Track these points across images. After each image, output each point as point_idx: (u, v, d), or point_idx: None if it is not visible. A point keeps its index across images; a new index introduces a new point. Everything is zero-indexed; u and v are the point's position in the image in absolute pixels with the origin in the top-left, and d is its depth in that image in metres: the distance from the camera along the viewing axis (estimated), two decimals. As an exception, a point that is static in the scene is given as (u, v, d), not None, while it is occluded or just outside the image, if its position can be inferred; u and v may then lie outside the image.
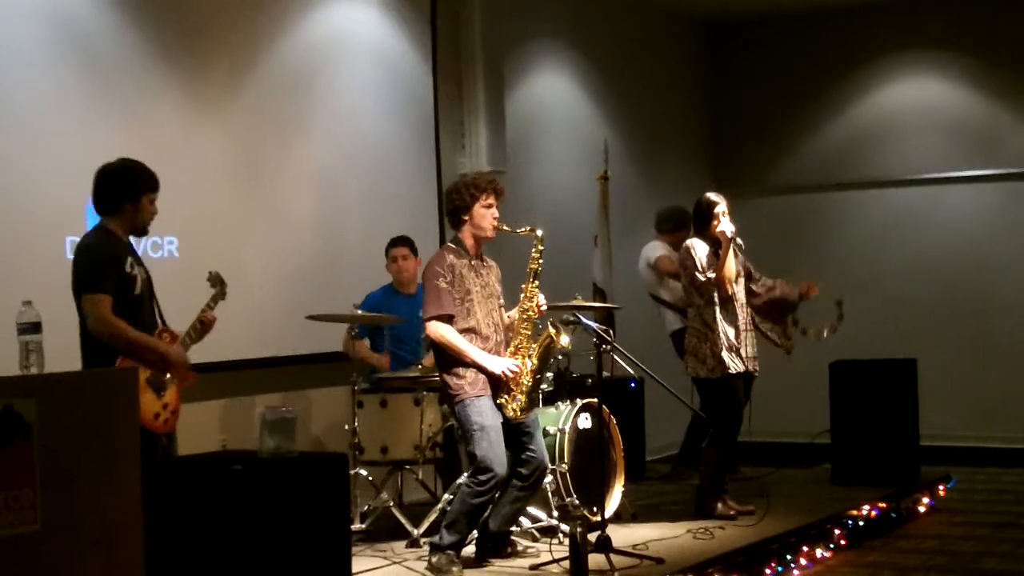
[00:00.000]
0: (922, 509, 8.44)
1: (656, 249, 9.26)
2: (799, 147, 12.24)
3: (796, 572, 6.91)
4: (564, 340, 6.61)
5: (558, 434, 7.14)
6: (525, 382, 6.43)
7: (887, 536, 7.77)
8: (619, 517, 7.41)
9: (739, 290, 7.59)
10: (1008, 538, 7.68)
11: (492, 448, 6.30)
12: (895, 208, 11.81)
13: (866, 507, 7.85)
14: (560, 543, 6.65)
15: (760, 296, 7.78)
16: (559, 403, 7.40)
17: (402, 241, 7.89)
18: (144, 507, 4.14)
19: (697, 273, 7.48)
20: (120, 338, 5.37)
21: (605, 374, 7.56)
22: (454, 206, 6.59)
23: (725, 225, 7.47)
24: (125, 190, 5.55)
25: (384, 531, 7.15)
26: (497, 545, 6.62)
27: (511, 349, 6.52)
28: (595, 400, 7.15)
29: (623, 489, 7.41)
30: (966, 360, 11.31)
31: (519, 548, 6.66)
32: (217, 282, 5.94)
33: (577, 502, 7.03)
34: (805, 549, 7.06)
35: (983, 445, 10.92)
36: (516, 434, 6.46)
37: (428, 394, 7.15)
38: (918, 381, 9.00)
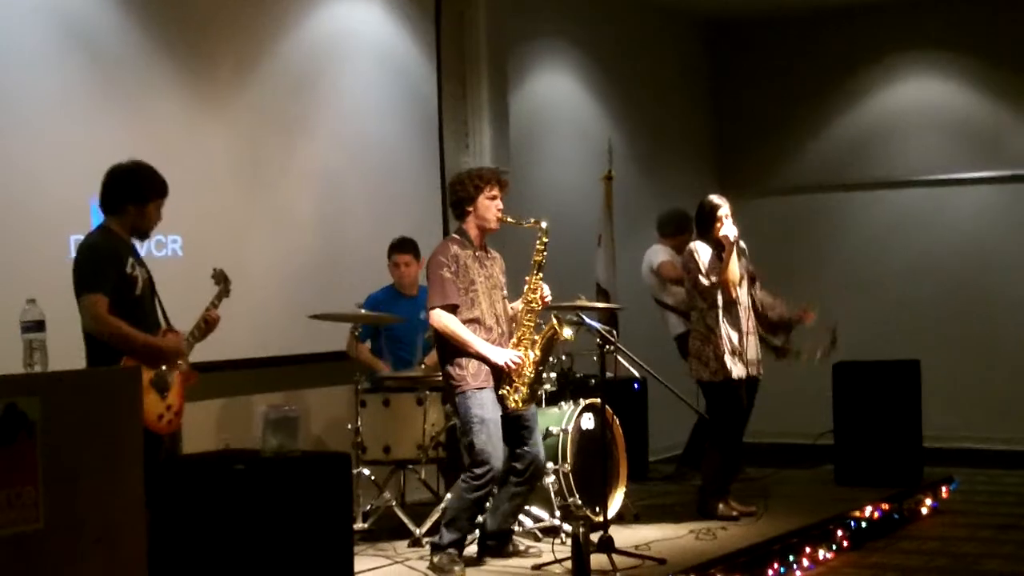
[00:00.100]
0: (924, 510, 8.43)
1: (659, 254, 9.23)
2: (802, 147, 12.24)
3: (798, 573, 6.91)
4: (567, 333, 6.60)
5: (561, 434, 7.13)
6: (528, 374, 6.43)
7: (889, 537, 7.77)
8: (621, 517, 7.41)
9: (743, 294, 7.58)
10: (1010, 540, 7.68)
11: (490, 441, 6.30)
12: (898, 209, 11.80)
13: (869, 508, 7.84)
14: (562, 543, 6.63)
15: (757, 311, 7.76)
16: (562, 403, 7.40)
17: (405, 247, 7.85)
18: (146, 507, 4.15)
19: (700, 277, 7.47)
20: (117, 337, 5.35)
21: (608, 374, 7.57)
22: (458, 197, 6.59)
23: (728, 228, 7.46)
24: (133, 192, 5.54)
25: (386, 531, 7.15)
26: (499, 544, 6.62)
27: (514, 340, 6.51)
28: (598, 400, 7.15)
29: (625, 489, 7.40)
30: (969, 361, 11.31)
31: (521, 548, 6.66)
32: (221, 279, 5.94)
33: (579, 502, 7.03)
34: (807, 550, 7.06)
35: (986, 447, 10.92)
36: (514, 428, 6.46)
37: (431, 394, 7.14)
38: (921, 382, 9.00)
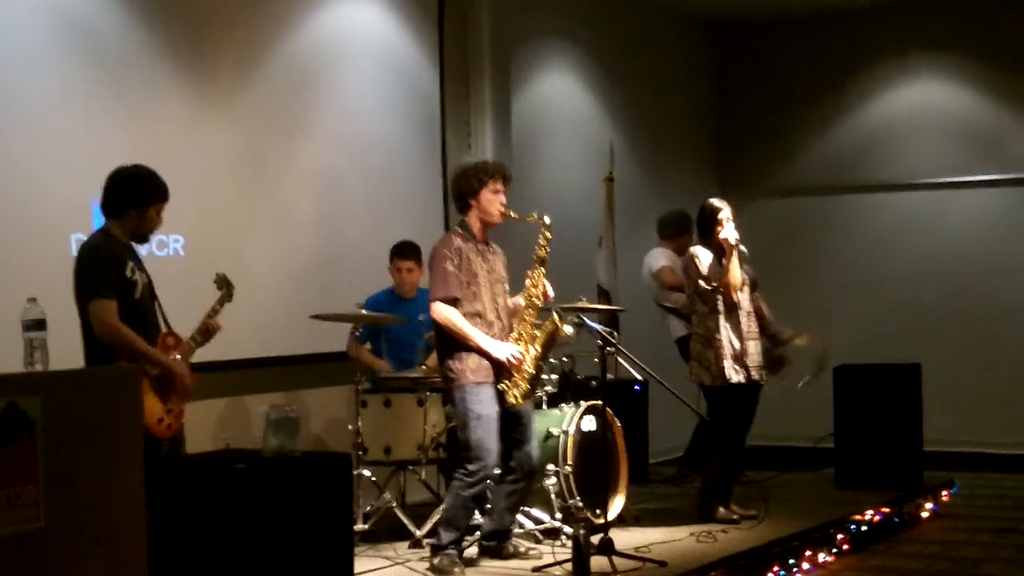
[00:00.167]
0: (925, 514, 8.43)
1: (659, 259, 9.19)
2: (804, 149, 12.23)
3: (798, 576, 6.92)
4: (568, 330, 6.60)
5: (562, 436, 7.13)
6: (527, 369, 6.42)
7: (890, 541, 7.76)
8: (622, 520, 7.40)
9: (744, 298, 7.56)
10: (1010, 544, 7.67)
11: (486, 438, 6.30)
12: (900, 212, 11.80)
13: (869, 511, 7.84)
14: (563, 545, 6.64)
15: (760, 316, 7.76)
16: (563, 405, 7.39)
17: (408, 253, 7.81)
18: (146, 507, 4.14)
19: (701, 281, 7.46)
20: (126, 347, 5.36)
21: (609, 376, 7.56)
22: (461, 190, 6.57)
23: (728, 232, 7.45)
24: (135, 196, 5.54)
25: (386, 531, 7.14)
26: (498, 544, 6.62)
27: (515, 335, 6.50)
28: (599, 402, 7.15)
29: (626, 491, 7.39)
30: (970, 365, 11.30)
31: (522, 550, 6.64)
32: (224, 284, 5.93)
33: (580, 504, 7.03)
34: (808, 553, 7.05)
35: (987, 450, 10.91)
36: (509, 425, 6.45)
37: (432, 394, 7.14)
38: (922, 386, 9.00)
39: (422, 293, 7.46)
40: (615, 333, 7.97)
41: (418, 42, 8.91)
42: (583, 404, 7.30)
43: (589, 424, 7.29)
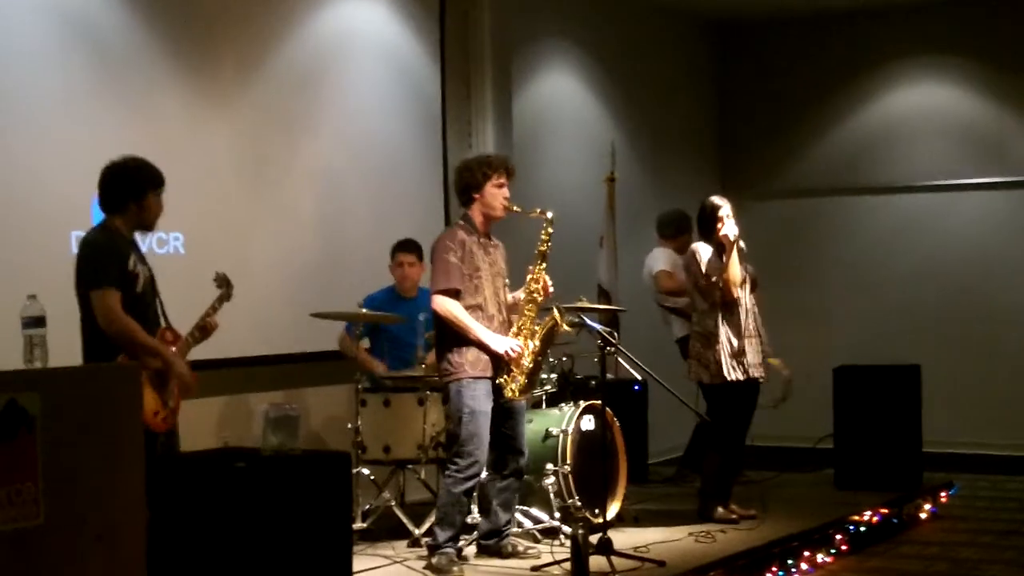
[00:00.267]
0: (924, 515, 8.43)
1: (658, 261, 9.18)
2: (806, 150, 12.23)
3: (797, 576, 6.92)
4: (567, 325, 6.60)
5: (561, 435, 7.13)
6: (526, 363, 6.43)
7: (889, 542, 7.77)
8: (621, 519, 7.41)
9: (744, 296, 7.57)
10: (1011, 545, 7.67)
11: (477, 433, 6.32)
12: (902, 214, 11.79)
13: (868, 512, 7.84)
14: (561, 544, 6.64)
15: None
16: (562, 404, 7.40)
17: (410, 247, 7.84)
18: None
19: (701, 278, 7.47)
20: (128, 337, 5.36)
21: (609, 376, 7.56)
22: (465, 184, 6.58)
23: (729, 228, 7.46)
24: (130, 189, 5.54)
25: (385, 530, 7.15)
26: (496, 542, 6.62)
27: (514, 330, 6.50)
28: (598, 402, 7.15)
29: (625, 491, 7.40)
30: (970, 366, 11.30)
31: (520, 549, 6.65)
32: (224, 283, 5.93)
33: (579, 504, 7.03)
34: (807, 554, 7.05)
35: (986, 452, 10.91)
36: (499, 421, 6.46)
37: (431, 394, 7.13)
38: (922, 387, 9.00)
39: (423, 293, 7.46)
40: (615, 333, 7.97)
41: (419, 42, 8.91)
42: (582, 404, 7.31)
43: (588, 424, 7.29)
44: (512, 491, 6.66)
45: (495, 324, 6.45)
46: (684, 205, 9.40)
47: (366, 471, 7.20)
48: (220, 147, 7.44)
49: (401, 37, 8.79)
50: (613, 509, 7.21)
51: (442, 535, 6.36)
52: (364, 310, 7.39)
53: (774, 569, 6.75)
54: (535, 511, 7.09)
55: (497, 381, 6.39)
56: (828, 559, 7.21)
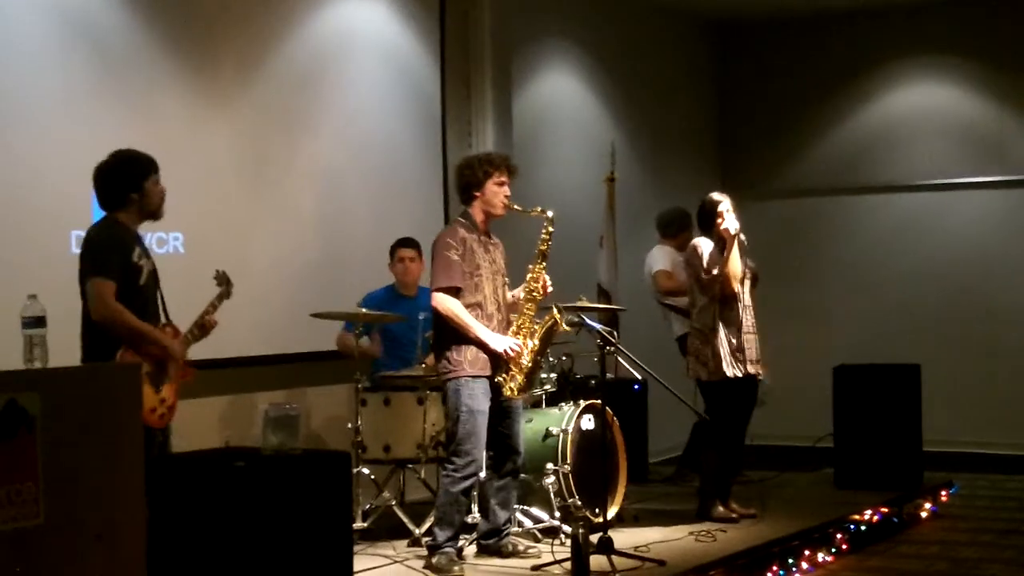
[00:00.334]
0: (924, 514, 8.43)
1: (657, 261, 9.18)
2: (806, 150, 12.23)
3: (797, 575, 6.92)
4: (567, 324, 6.61)
5: (561, 435, 7.13)
6: (525, 363, 6.43)
7: (889, 541, 7.77)
8: (621, 519, 7.41)
9: (744, 292, 7.57)
10: (1011, 545, 7.67)
11: (474, 433, 6.32)
12: (902, 213, 11.80)
13: (868, 512, 7.84)
14: (562, 544, 6.64)
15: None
16: (562, 404, 7.40)
17: (410, 242, 7.86)
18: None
19: (702, 272, 7.48)
20: (121, 324, 5.35)
21: (608, 375, 7.56)
22: (466, 181, 6.57)
23: (729, 222, 7.47)
24: (126, 181, 5.54)
25: (385, 530, 7.15)
26: (496, 541, 6.62)
27: (514, 328, 6.51)
28: (598, 401, 7.15)
29: (625, 490, 7.40)
30: (971, 366, 11.30)
31: (520, 548, 6.65)
32: (224, 281, 5.94)
33: (579, 503, 7.03)
34: (807, 553, 7.05)
35: (986, 451, 10.91)
36: (496, 420, 6.46)
37: (431, 393, 7.13)
38: (922, 386, 9.00)
39: (423, 291, 7.46)
40: (615, 333, 7.97)
41: (420, 42, 8.91)
42: (582, 403, 7.31)
43: (588, 423, 7.29)
44: (510, 490, 6.66)
45: (494, 323, 6.45)
46: (684, 205, 9.40)
47: (366, 470, 7.20)
48: (220, 146, 7.44)
49: (401, 37, 8.80)
50: (613, 508, 7.21)
51: (442, 535, 6.36)
52: (363, 310, 7.38)
53: (774, 568, 6.75)
54: (535, 510, 7.09)
55: (496, 380, 6.40)
56: (828, 558, 7.21)
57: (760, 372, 7.60)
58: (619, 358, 8.15)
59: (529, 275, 6.55)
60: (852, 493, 8.43)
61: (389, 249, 7.90)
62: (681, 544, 6.95)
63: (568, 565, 6.14)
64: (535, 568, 6.38)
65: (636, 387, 9.00)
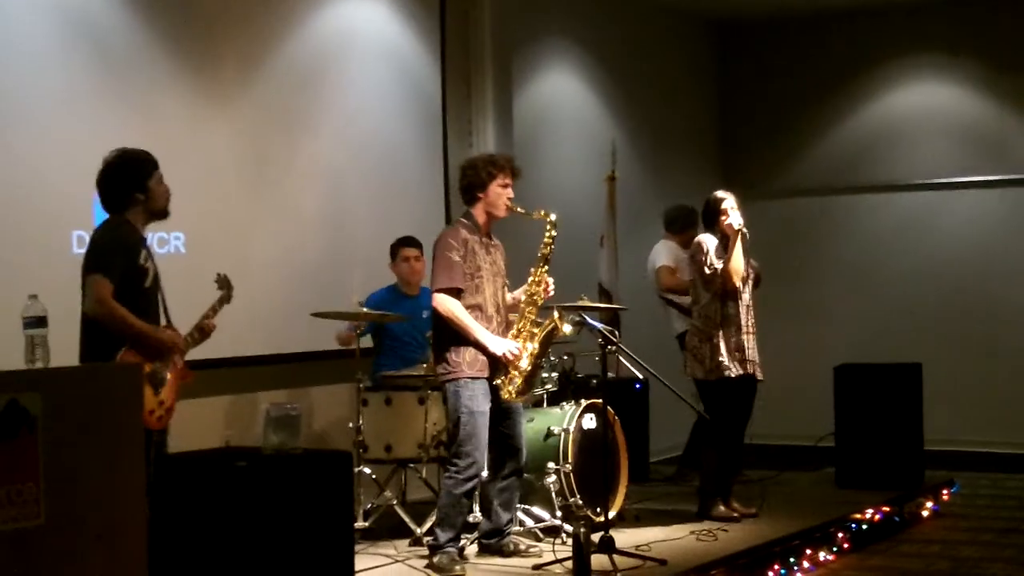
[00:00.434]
0: (925, 513, 8.43)
1: (660, 255, 9.21)
2: (807, 150, 12.23)
3: (799, 575, 6.90)
4: (566, 328, 6.60)
5: (562, 434, 7.13)
6: (523, 365, 6.42)
7: (890, 540, 7.77)
8: (622, 518, 7.41)
9: (746, 292, 7.58)
10: (1012, 544, 7.67)
11: (475, 434, 6.32)
12: (903, 212, 11.79)
13: (870, 511, 7.84)
14: (563, 543, 6.64)
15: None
16: (563, 403, 7.40)
17: (413, 242, 7.86)
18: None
19: (705, 267, 7.48)
20: (117, 321, 5.33)
21: (610, 375, 7.56)
22: (470, 182, 6.56)
23: (733, 218, 7.49)
24: (130, 181, 5.52)
25: (387, 529, 7.15)
26: (497, 541, 6.62)
27: (513, 332, 6.50)
28: (600, 401, 7.15)
29: (626, 490, 7.40)
30: (971, 365, 11.29)
31: (522, 547, 6.66)
32: (224, 285, 5.93)
33: (580, 502, 7.03)
34: (808, 552, 7.06)
35: (988, 450, 10.91)
36: (498, 421, 6.46)
37: (433, 392, 7.13)
38: (923, 385, 9.00)
39: (425, 291, 7.46)
40: (616, 332, 7.97)
41: (420, 41, 8.91)
42: (583, 402, 7.31)
43: (589, 422, 7.29)
44: (513, 491, 6.66)
45: (494, 324, 6.45)
46: (685, 204, 9.42)
47: (367, 470, 7.20)
48: (221, 146, 7.44)
49: (402, 36, 8.80)
50: (614, 508, 7.21)
51: (443, 535, 6.36)
52: (365, 309, 7.38)
53: (776, 567, 6.75)
54: (536, 510, 7.09)
55: (494, 382, 6.39)
56: (830, 557, 7.21)
57: (758, 372, 7.60)
58: (620, 357, 8.14)
59: (531, 278, 6.54)
60: (853, 492, 8.43)
61: (390, 248, 7.90)
62: (682, 543, 6.96)
63: (569, 564, 6.14)
64: (536, 567, 6.38)
65: (637, 386, 9.00)
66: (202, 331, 5.77)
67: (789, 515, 7.69)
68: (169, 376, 5.54)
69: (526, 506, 7.08)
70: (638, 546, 6.68)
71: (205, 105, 7.35)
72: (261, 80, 7.70)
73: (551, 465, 7.09)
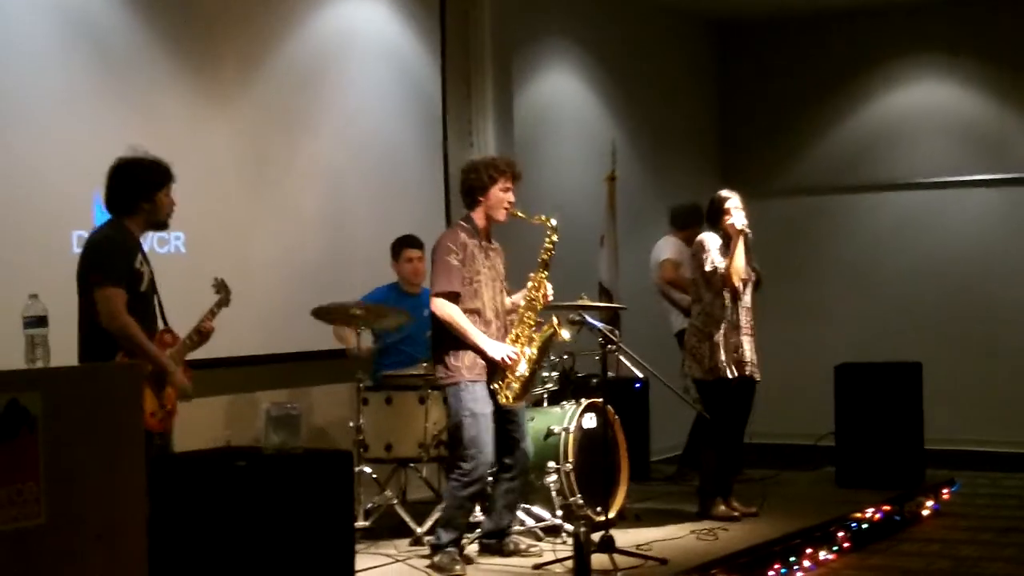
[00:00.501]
0: (926, 512, 8.43)
1: (664, 251, 9.24)
2: (807, 149, 12.23)
3: (799, 574, 6.90)
4: (565, 334, 6.60)
5: (563, 434, 7.13)
6: (522, 371, 6.42)
7: (890, 539, 7.77)
8: (623, 517, 7.41)
9: (746, 294, 7.58)
10: (1011, 543, 7.67)
11: (480, 436, 6.31)
12: (902, 211, 11.80)
13: (870, 510, 7.85)
14: (564, 543, 6.65)
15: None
16: (564, 403, 7.40)
17: (415, 242, 7.85)
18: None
19: (707, 266, 7.49)
20: (129, 339, 5.35)
21: (610, 374, 7.57)
22: (471, 185, 6.54)
23: (736, 218, 7.50)
24: (140, 190, 5.50)
25: (387, 529, 7.15)
26: (498, 541, 6.62)
27: (512, 336, 6.50)
28: (600, 400, 7.15)
29: (626, 489, 7.40)
30: (971, 364, 11.30)
31: (522, 547, 6.66)
32: (222, 288, 5.92)
33: (581, 502, 7.03)
34: (808, 551, 7.05)
35: (987, 449, 10.91)
36: (502, 422, 6.46)
37: (433, 392, 7.13)
38: (923, 384, 9.00)
39: (426, 291, 7.45)
40: (616, 331, 7.97)
41: (420, 41, 8.92)
42: (584, 402, 7.31)
43: (590, 422, 7.30)
44: (517, 492, 6.67)
45: (492, 329, 6.45)
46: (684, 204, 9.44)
47: (368, 469, 7.20)
48: (221, 146, 7.44)
49: (402, 37, 8.80)
50: (615, 507, 7.21)
51: (446, 536, 6.36)
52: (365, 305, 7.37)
53: (776, 567, 6.75)
54: (537, 509, 7.09)
55: (491, 387, 6.39)
56: (830, 556, 7.21)
57: (755, 374, 7.60)
58: (620, 357, 8.14)
59: (530, 283, 6.54)
60: (853, 491, 8.43)
61: (391, 247, 7.89)
62: (683, 543, 6.96)
63: (570, 564, 6.14)
64: (537, 567, 6.38)
65: (637, 386, 9.01)
66: (201, 333, 5.77)
67: (789, 514, 7.69)
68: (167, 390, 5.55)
69: (527, 505, 7.07)
70: (638, 545, 6.69)
71: (205, 105, 7.36)
72: (261, 80, 7.71)
73: (551, 464, 7.09)
